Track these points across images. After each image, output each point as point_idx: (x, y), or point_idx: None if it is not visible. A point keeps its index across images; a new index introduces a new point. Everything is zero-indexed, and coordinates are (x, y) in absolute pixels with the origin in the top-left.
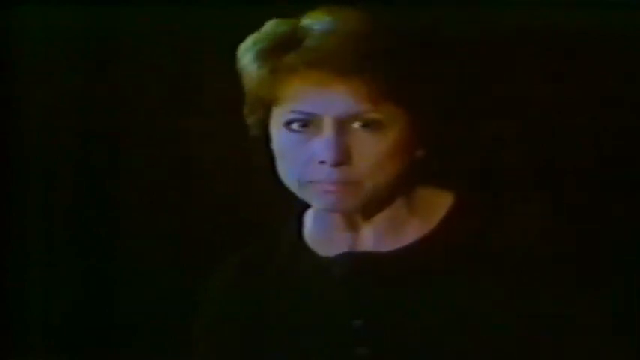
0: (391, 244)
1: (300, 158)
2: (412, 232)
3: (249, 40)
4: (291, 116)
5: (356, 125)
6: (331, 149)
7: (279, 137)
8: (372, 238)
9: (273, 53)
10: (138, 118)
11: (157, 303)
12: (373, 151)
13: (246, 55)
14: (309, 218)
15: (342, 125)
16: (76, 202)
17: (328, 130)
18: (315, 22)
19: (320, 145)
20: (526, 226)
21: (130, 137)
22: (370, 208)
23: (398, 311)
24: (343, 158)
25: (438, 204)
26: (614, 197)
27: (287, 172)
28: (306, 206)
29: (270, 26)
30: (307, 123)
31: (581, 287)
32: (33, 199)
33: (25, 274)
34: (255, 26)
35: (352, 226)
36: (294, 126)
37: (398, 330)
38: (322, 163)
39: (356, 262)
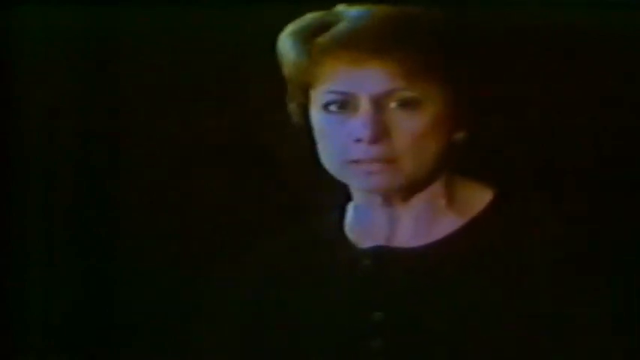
0: (426, 236)
1: (339, 139)
2: (447, 225)
3: (288, 28)
4: (329, 97)
5: (393, 104)
6: (367, 126)
7: (319, 119)
8: (409, 229)
9: (309, 36)
10: (138, 118)
11: (157, 303)
12: (410, 129)
13: (284, 41)
14: (350, 210)
15: (378, 104)
16: (76, 202)
17: (364, 108)
18: (348, 9)
19: (356, 123)
20: (560, 231)
21: (130, 137)
22: (410, 191)
23: (418, 307)
24: (379, 135)
25: (476, 198)
26: None
27: (328, 154)
28: (348, 198)
29: (307, 15)
30: (344, 104)
31: (613, 288)
32: (33, 199)
33: (25, 274)
34: (256, 26)
35: (391, 218)
36: (332, 107)
37: (416, 326)
38: (359, 141)
39: (385, 255)
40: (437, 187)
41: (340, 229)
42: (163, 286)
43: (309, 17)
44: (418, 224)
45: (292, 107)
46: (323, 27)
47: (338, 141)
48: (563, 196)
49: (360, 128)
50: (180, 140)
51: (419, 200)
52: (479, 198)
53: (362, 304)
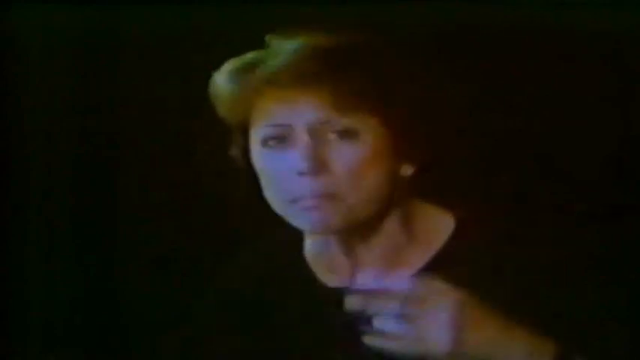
0: (392, 271)
1: (280, 174)
2: (414, 259)
3: (221, 69)
4: (266, 131)
5: (331, 135)
6: (307, 157)
7: (259, 157)
8: (371, 264)
9: (241, 75)
10: (138, 117)
11: (158, 303)
12: (351, 160)
13: (217, 83)
14: (308, 241)
15: (316, 135)
16: (76, 201)
17: (302, 139)
18: (279, 42)
19: (295, 155)
20: (533, 249)
21: (130, 137)
22: (362, 229)
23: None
24: (320, 166)
25: (438, 229)
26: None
27: (271, 194)
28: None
29: (242, 56)
30: (282, 138)
31: (585, 309)
32: (33, 198)
33: (25, 274)
34: (256, 26)
35: (350, 252)
36: (271, 142)
37: None
38: (301, 174)
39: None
40: (393, 225)
41: (300, 255)
42: (164, 285)
43: (243, 56)
44: (381, 259)
45: (234, 152)
46: (253, 65)
47: (280, 177)
48: (525, 219)
49: (299, 160)
50: (180, 140)
51: (378, 240)
52: (440, 226)
53: (326, 345)
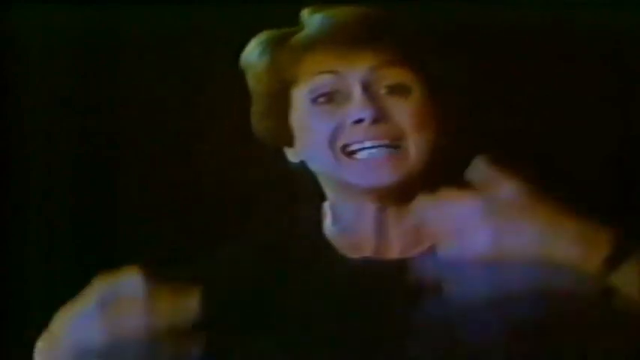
0: (414, 248)
1: (334, 128)
2: (433, 237)
3: (251, 44)
4: (317, 89)
5: (382, 91)
6: (367, 105)
7: (306, 117)
8: (399, 241)
9: (281, 39)
10: (138, 117)
11: None
12: (405, 113)
13: (253, 54)
14: (329, 211)
15: (369, 88)
16: (76, 201)
17: (358, 92)
18: (310, 15)
19: (353, 106)
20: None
21: (130, 137)
22: (409, 192)
23: (409, 322)
24: (380, 113)
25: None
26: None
27: (317, 147)
28: (322, 198)
29: (267, 31)
30: (333, 95)
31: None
32: (33, 198)
33: (25, 274)
34: (256, 26)
35: (381, 226)
36: (321, 99)
37: (404, 344)
38: (358, 122)
39: (375, 269)
40: (423, 202)
41: (321, 233)
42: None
43: (271, 31)
44: (407, 236)
45: (267, 124)
46: (292, 31)
47: (328, 130)
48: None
49: (359, 109)
50: (180, 140)
51: (409, 215)
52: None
53: (351, 317)
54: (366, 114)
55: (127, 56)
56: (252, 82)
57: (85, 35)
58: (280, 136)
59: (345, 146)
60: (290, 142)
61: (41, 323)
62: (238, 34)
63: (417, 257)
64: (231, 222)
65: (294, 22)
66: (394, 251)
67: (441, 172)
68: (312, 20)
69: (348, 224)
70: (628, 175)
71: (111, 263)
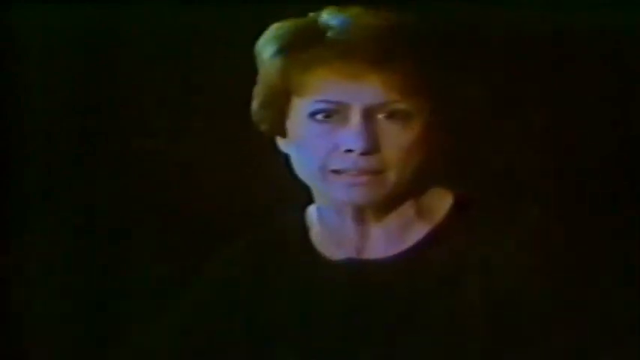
0: (397, 246)
1: (324, 148)
2: (416, 233)
3: (270, 34)
4: (318, 106)
5: (381, 115)
6: (361, 137)
7: (301, 128)
8: (381, 241)
9: (298, 46)
10: (138, 117)
11: (158, 302)
12: (399, 141)
13: (268, 48)
14: (314, 216)
15: (369, 114)
16: (76, 201)
17: (356, 118)
18: (332, 17)
19: (348, 134)
20: (522, 236)
21: (129, 137)
22: (388, 205)
23: (393, 319)
24: (371, 147)
25: (439, 205)
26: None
27: (307, 163)
28: (309, 202)
29: (288, 22)
30: (332, 113)
31: (579, 288)
32: (33, 198)
33: (25, 274)
34: (256, 26)
35: (362, 230)
36: (319, 116)
37: (392, 341)
38: (349, 151)
39: (357, 268)
40: (408, 203)
41: (306, 237)
42: (164, 285)
43: (293, 26)
44: (390, 236)
45: (264, 114)
46: (313, 37)
47: (322, 150)
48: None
49: (352, 139)
50: (180, 140)
51: (392, 216)
52: (441, 203)
53: (335, 317)
54: (358, 146)
55: (127, 56)
56: (260, 69)
57: (85, 35)
58: (274, 129)
59: (330, 169)
60: (283, 134)
61: (41, 323)
62: (238, 34)
63: (400, 256)
64: (224, 223)
65: None
66: (378, 251)
67: (427, 182)
68: (332, 28)
69: (332, 224)
70: (628, 175)
71: (111, 263)
